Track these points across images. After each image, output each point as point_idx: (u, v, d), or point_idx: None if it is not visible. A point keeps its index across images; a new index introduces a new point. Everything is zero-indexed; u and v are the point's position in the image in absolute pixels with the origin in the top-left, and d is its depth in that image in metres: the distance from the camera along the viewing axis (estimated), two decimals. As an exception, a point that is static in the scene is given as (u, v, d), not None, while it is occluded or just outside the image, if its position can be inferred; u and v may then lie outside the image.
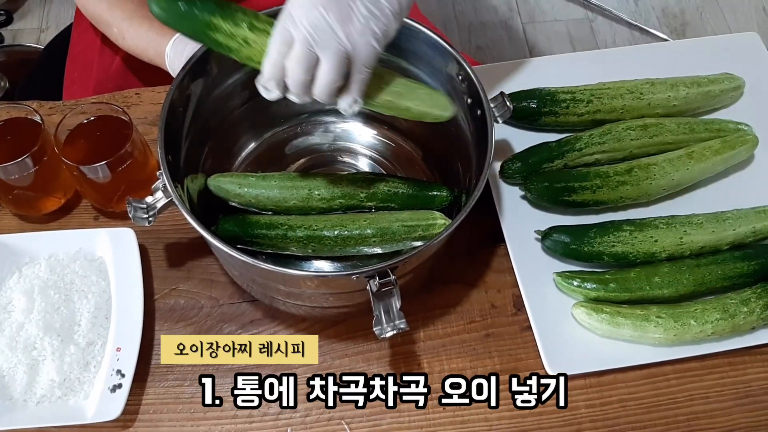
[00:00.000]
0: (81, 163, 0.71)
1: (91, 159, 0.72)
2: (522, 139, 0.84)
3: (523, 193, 0.80)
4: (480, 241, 0.80)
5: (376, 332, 0.59)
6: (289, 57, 0.54)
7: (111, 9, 0.83)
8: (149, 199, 0.63)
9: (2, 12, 1.89)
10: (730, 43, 0.94)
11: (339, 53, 0.54)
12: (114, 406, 0.66)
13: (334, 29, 0.53)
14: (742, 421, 0.70)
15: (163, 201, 0.63)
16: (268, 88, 0.57)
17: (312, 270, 0.74)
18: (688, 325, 0.69)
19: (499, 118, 0.69)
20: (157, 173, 0.61)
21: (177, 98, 0.67)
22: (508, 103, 0.69)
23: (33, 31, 1.88)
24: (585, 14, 1.95)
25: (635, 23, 1.92)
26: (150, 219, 0.63)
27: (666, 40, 1.85)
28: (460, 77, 0.70)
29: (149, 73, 1.01)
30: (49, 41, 1.22)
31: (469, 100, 0.70)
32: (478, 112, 0.68)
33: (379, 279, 0.58)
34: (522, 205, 0.80)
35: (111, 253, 0.75)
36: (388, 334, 0.58)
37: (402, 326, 0.58)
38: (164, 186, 0.61)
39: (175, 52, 0.76)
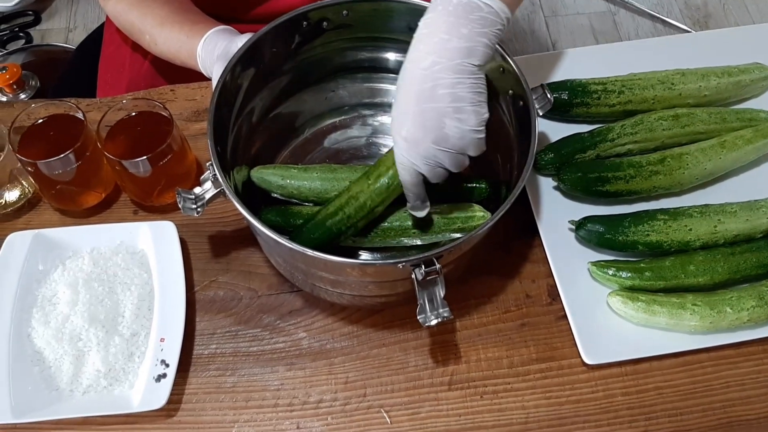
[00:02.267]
0: (123, 158, 0.73)
1: (132, 154, 0.73)
2: (554, 131, 0.85)
3: (556, 184, 0.81)
4: (514, 233, 0.80)
5: (420, 320, 0.60)
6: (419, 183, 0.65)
7: (142, 17, 0.85)
8: (197, 189, 0.64)
9: (30, 12, 1.91)
10: (757, 33, 0.94)
11: (457, 159, 0.62)
12: (159, 395, 0.68)
13: (440, 150, 0.61)
14: (779, 407, 0.70)
15: (212, 192, 0.64)
16: (418, 209, 0.68)
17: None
18: (724, 313, 0.70)
19: (540, 110, 0.69)
20: (207, 164, 0.63)
21: (226, 87, 0.68)
22: (548, 95, 0.69)
23: (61, 30, 1.90)
24: (607, 7, 1.95)
25: (658, 15, 1.91)
26: (199, 209, 0.64)
27: (688, 31, 1.84)
28: (501, 69, 0.70)
29: (180, 73, 1.02)
30: (80, 42, 1.24)
31: (510, 92, 0.70)
32: (521, 103, 0.69)
33: (425, 267, 0.59)
34: (555, 195, 0.81)
35: (152, 246, 0.76)
36: (433, 322, 0.59)
37: (446, 314, 0.59)
38: (214, 177, 0.63)
39: (206, 52, 0.77)
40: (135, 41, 0.96)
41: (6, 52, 1.78)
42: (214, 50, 0.76)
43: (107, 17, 1.12)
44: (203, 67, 0.79)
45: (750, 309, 0.70)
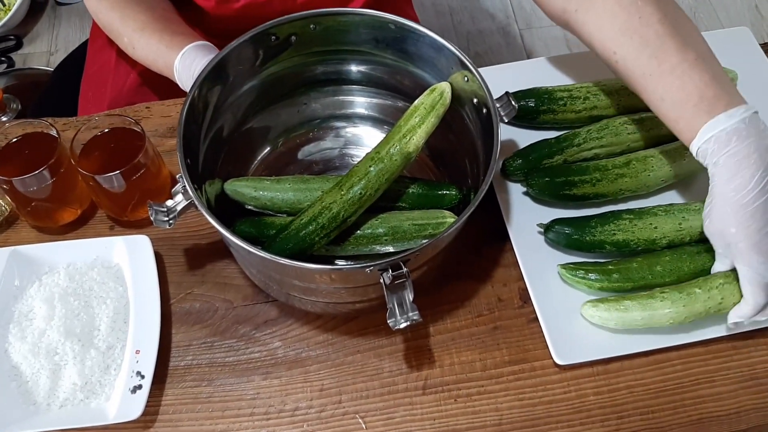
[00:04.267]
0: (96, 173, 0.74)
1: (106, 169, 0.74)
2: (522, 137, 0.87)
3: (525, 189, 0.82)
4: (485, 238, 0.82)
5: (390, 324, 0.61)
6: None
7: (123, 20, 0.86)
8: (169, 202, 0.65)
9: (12, 37, 1.93)
10: (722, 38, 0.96)
11: None
12: (135, 407, 0.69)
13: None
14: (749, 402, 0.71)
15: (184, 203, 0.65)
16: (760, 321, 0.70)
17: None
18: (694, 294, 0.70)
19: (504, 117, 0.71)
20: (177, 176, 0.64)
21: (195, 104, 0.70)
22: (513, 103, 0.71)
23: (42, 54, 1.92)
24: (581, 19, 1.98)
25: (630, 26, 1.95)
26: (170, 222, 0.65)
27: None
28: (466, 79, 0.72)
29: (162, 91, 1.04)
30: (59, 63, 1.25)
31: (475, 100, 0.72)
32: (484, 111, 0.70)
33: (392, 271, 0.60)
34: (524, 201, 0.83)
35: (127, 260, 0.77)
36: (402, 326, 0.60)
37: (415, 318, 0.60)
38: (184, 188, 0.64)
39: (183, 66, 0.79)
40: (116, 51, 0.98)
41: (-12, 76, 1.79)
42: (191, 66, 0.78)
43: (91, 35, 1.14)
44: (179, 80, 0.81)
45: (719, 286, 0.70)
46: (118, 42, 0.89)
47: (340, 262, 0.78)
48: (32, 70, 1.78)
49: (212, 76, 0.71)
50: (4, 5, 1.90)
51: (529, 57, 1.89)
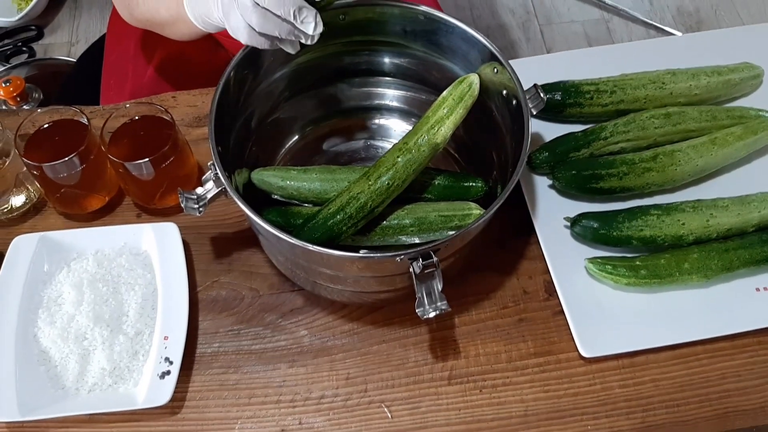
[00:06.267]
0: (126, 161, 0.74)
1: (135, 157, 0.75)
2: (548, 131, 0.87)
3: (551, 182, 0.83)
4: (511, 231, 0.82)
5: (419, 313, 0.61)
6: None
7: None
8: (200, 190, 0.66)
9: (33, 27, 1.94)
10: (748, 34, 0.97)
11: None
12: (163, 392, 0.69)
13: None
14: (775, 398, 0.71)
15: (214, 191, 0.65)
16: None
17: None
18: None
19: (533, 110, 0.71)
20: (209, 164, 0.64)
21: (227, 90, 0.70)
22: (541, 95, 0.71)
23: (63, 45, 1.93)
24: (601, 15, 1.98)
25: (651, 22, 1.94)
26: (201, 209, 0.65)
27: (681, 37, 1.87)
28: (495, 71, 0.72)
29: (182, 81, 1.04)
30: (80, 54, 1.26)
31: (504, 92, 0.72)
32: (514, 103, 0.70)
33: (423, 261, 0.60)
34: (550, 194, 0.83)
35: (155, 247, 0.77)
36: (431, 315, 0.60)
37: (443, 307, 0.61)
38: (215, 176, 0.64)
39: None
40: (135, 38, 0.95)
41: (10, 66, 1.81)
42: None
43: (109, 25, 1.14)
44: (189, 6, 0.71)
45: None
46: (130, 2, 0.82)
47: (366, 253, 0.78)
48: (53, 60, 1.79)
49: (245, 62, 0.72)
50: (25, -5, 1.92)
51: (548, 53, 1.89)
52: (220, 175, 0.64)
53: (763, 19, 1.95)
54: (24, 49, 1.91)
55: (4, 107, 1.52)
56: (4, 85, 1.46)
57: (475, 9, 1.99)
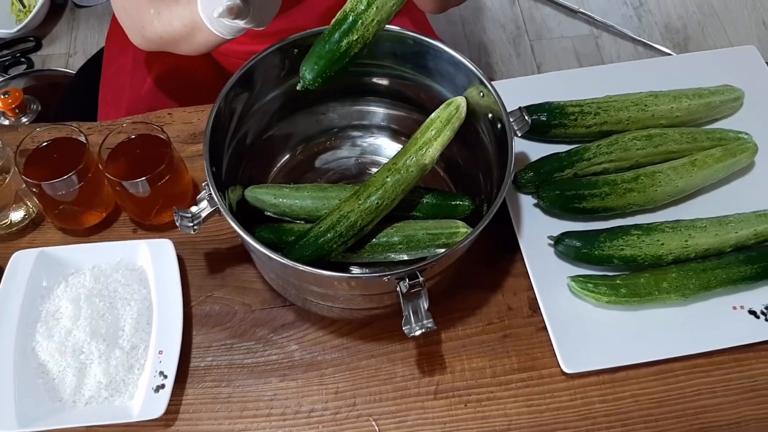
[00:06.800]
0: (123, 179, 0.77)
1: (132, 175, 0.77)
2: (533, 151, 0.89)
3: (535, 201, 0.85)
4: (496, 248, 0.84)
5: (405, 331, 0.63)
6: None
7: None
8: (194, 209, 0.68)
9: (31, 38, 1.97)
10: (730, 56, 0.99)
11: None
12: (157, 405, 0.71)
13: None
14: (749, 413, 0.74)
15: (208, 210, 0.68)
16: None
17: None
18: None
19: (518, 132, 0.73)
20: (203, 184, 0.67)
21: (221, 112, 0.72)
22: (526, 117, 0.74)
23: (61, 56, 1.96)
24: (590, 31, 2.01)
25: (639, 39, 1.97)
26: (195, 227, 0.68)
27: (669, 54, 1.90)
28: (481, 94, 0.75)
29: (179, 95, 1.07)
30: (80, 66, 1.28)
31: (490, 115, 0.75)
32: (499, 126, 0.73)
33: (409, 281, 0.63)
34: (535, 213, 0.85)
35: (151, 263, 0.80)
36: (417, 333, 0.63)
37: (429, 325, 0.63)
38: (209, 196, 0.67)
39: None
40: (133, 51, 0.96)
41: (8, 77, 1.82)
42: None
43: (107, 39, 1.16)
44: (204, 9, 0.73)
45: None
46: (143, 17, 0.82)
47: (356, 269, 0.81)
48: (51, 72, 1.81)
49: (239, 84, 0.74)
50: (24, 7, 1.94)
51: (539, 68, 1.92)
52: (214, 195, 0.66)
53: (748, 36, 1.99)
54: (22, 60, 1.93)
55: (2, 119, 1.54)
56: (2, 96, 1.47)
57: (467, 25, 2.02)
